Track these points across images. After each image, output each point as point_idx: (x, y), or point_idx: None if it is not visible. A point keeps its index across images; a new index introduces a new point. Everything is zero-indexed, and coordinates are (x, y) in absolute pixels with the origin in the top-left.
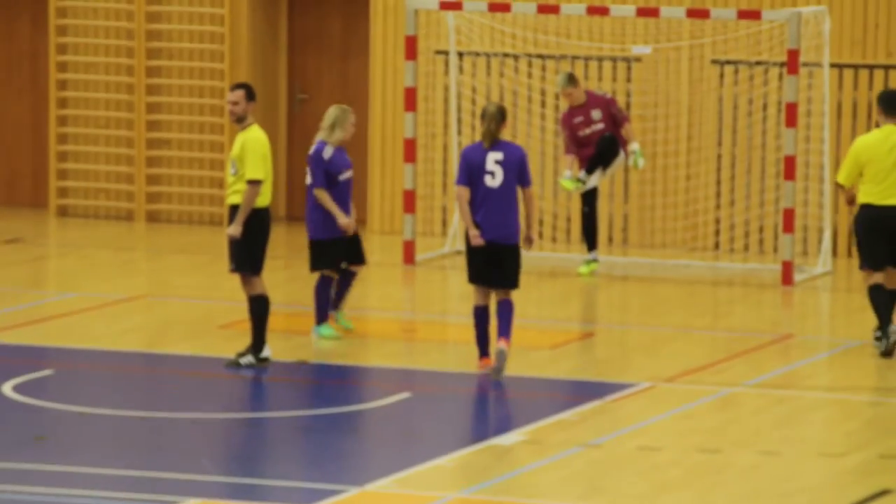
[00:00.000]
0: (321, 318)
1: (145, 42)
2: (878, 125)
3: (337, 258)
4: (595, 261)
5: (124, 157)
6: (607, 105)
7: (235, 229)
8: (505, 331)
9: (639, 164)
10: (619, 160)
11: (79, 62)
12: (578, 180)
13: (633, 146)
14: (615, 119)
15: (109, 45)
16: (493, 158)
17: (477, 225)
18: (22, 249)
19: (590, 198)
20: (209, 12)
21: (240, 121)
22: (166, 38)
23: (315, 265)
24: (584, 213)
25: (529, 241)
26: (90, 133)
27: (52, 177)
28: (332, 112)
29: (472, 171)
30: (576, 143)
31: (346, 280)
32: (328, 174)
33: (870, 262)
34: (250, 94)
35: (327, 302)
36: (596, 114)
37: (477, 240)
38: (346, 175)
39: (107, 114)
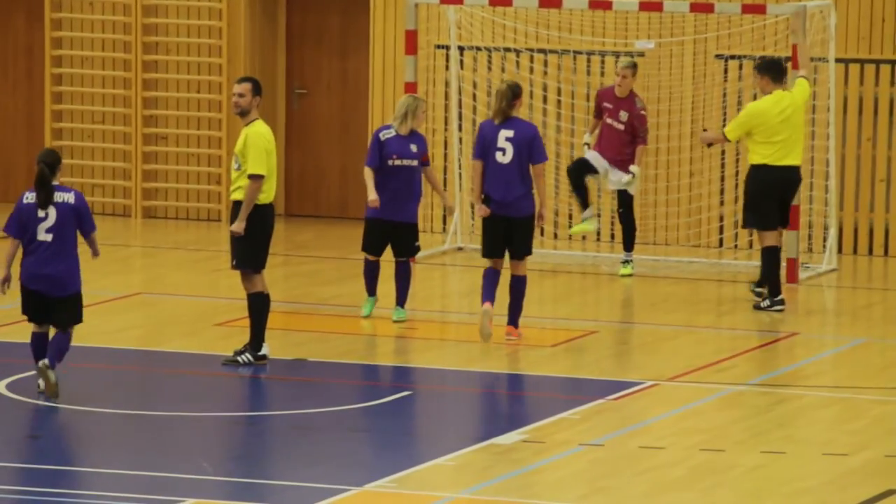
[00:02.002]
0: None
1: (142, 36)
2: (764, 92)
3: (368, 240)
4: (629, 262)
5: (120, 152)
6: (637, 117)
7: (238, 226)
8: (513, 317)
9: (631, 187)
10: (624, 178)
11: (74, 56)
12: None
13: (635, 168)
14: (635, 131)
15: (106, 39)
16: (504, 135)
17: (487, 198)
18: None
19: (624, 197)
20: (206, 6)
21: (243, 114)
22: (163, 32)
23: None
24: (620, 214)
25: (541, 217)
26: (86, 128)
27: None
28: (403, 101)
29: (485, 146)
30: (598, 118)
31: (397, 271)
32: (381, 156)
33: (762, 222)
34: (257, 88)
35: (369, 282)
36: (623, 115)
37: (482, 211)
38: (398, 162)
39: (103, 109)
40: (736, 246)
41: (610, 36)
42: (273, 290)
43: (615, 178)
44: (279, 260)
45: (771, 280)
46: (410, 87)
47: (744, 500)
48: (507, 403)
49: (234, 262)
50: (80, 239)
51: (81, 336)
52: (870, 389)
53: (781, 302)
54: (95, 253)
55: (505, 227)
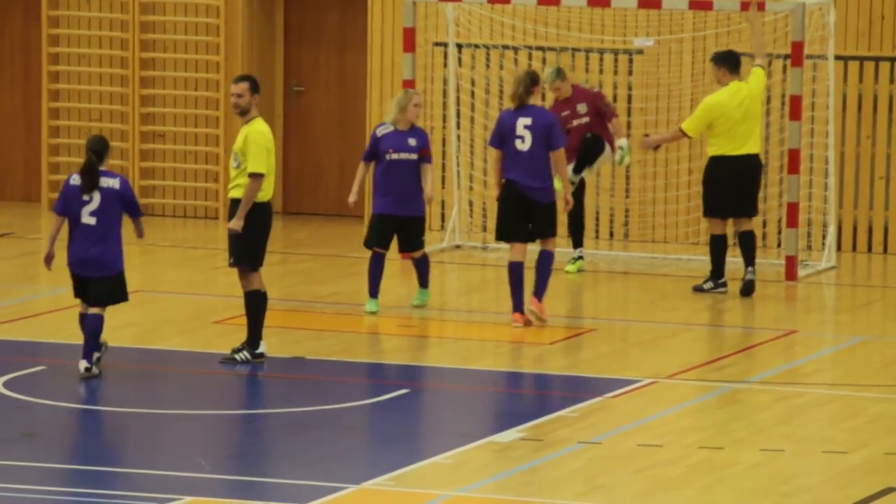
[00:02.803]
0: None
1: (139, 34)
2: (721, 83)
3: (374, 235)
4: (581, 258)
5: (118, 150)
6: (594, 99)
7: (237, 223)
8: (539, 290)
9: (624, 161)
10: (605, 155)
11: (72, 54)
12: (571, 182)
13: (622, 142)
14: (601, 113)
15: (103, 36)
16: (522, 123)
17: (509, 183)
18: (13, 244)
19: (576, 193)
20: (204, 4)
21: (243, 113)
22: (160, 30)
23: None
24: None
25: (566, 202)
26: (83, 126)
27: (44, 170)
28: (397, 95)
29: (504, 135)
30: (567, 133)
31: (415, 264)
32: (375, 151)
33: (718, 211)
34: (255, 87)
35: (373, 280)
36: (581, 107)
37: (497, 194)
38: (395, 156)
39: (100, 106)
40: (735, 244)
41: (609, 33)
42: (271, 287)
43: (612, 159)
44: (277, 258)
45: (715, 265)
46: (408, 85)
47: (743, 497)
48: (505, 401)
49: (231, 260)
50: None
51: (78, 334)
52: (869, 387)
53: (724, 285)
54: (140, 234)
55: (525, 209)
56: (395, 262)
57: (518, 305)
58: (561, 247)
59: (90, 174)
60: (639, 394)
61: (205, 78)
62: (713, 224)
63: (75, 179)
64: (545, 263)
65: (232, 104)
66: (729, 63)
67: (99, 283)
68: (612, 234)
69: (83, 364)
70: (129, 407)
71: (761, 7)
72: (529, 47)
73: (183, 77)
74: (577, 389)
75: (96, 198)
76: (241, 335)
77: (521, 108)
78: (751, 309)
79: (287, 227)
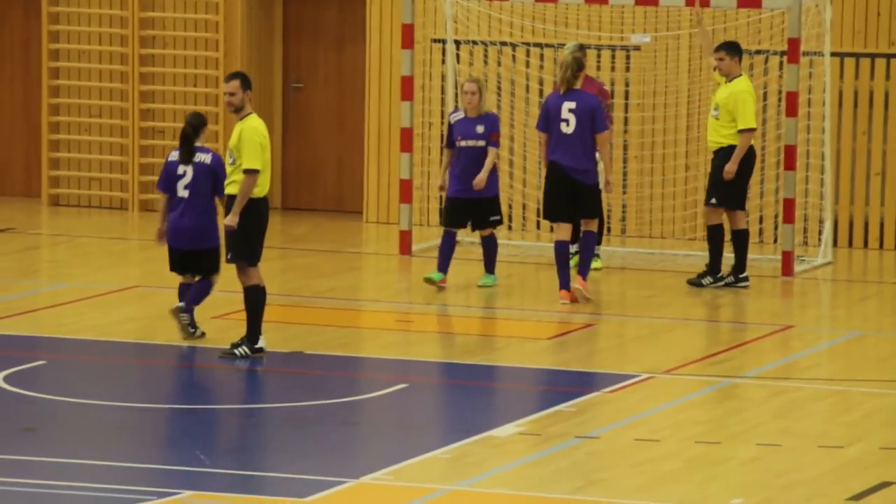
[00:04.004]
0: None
1: (139, 30)
2: (731, 74)
3: (448, 216)
4: (578, 253)
5: (117, 145)
6: (598, 92)
7: (232, 219)
8: (583, 269)
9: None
10: None
11: (72, 50)
12: None
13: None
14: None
15: (102, 32)
16: (567, 107)
17: (551, 164)
18: (14, 239)
19: None
20: (203, 8)
21: (237, 111)
22: (160, 26)
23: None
24: None
25: (608, 184)
26: (83, 122)
27: (44, 166)
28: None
29: (549, 118)
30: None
31: (483, 244)
32: (450, 137)
33: (742, 201)
34: (246, 83)
35: (443, 256)
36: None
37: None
38: (463, 143)
39: (100, 102)
40: (730, 239)
41: (606, 30)
42: (269, 283)
43: None
44: (275, 253)
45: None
46: (407, 81)
47: (739, 492)
48: (502, 396)
49: (229, 256)
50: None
51: (78, 329)
52: (865, 382)
53: (722, 279)
54: (226, 213)
55: (571, 190)
56: (393, 258)
57: (564, 283)
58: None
59: (185, 145)
60: (636, 389)
61: (204, 74)
62: (718, 215)
63: (173, 155)
64: (588, 243)
65: (225, 102)
66: (739, 53)
67: (196, 255)
68: (609, 230)
69: (180, 305)
70: (127, 402)
71: (705, 3)
72: (527, 44)
73: (182, 73)
74: (575, 384)
75: (189, 171)
76: (241, 330)
77: (568, 92)
78: (747, 304)
79: (286, 223)
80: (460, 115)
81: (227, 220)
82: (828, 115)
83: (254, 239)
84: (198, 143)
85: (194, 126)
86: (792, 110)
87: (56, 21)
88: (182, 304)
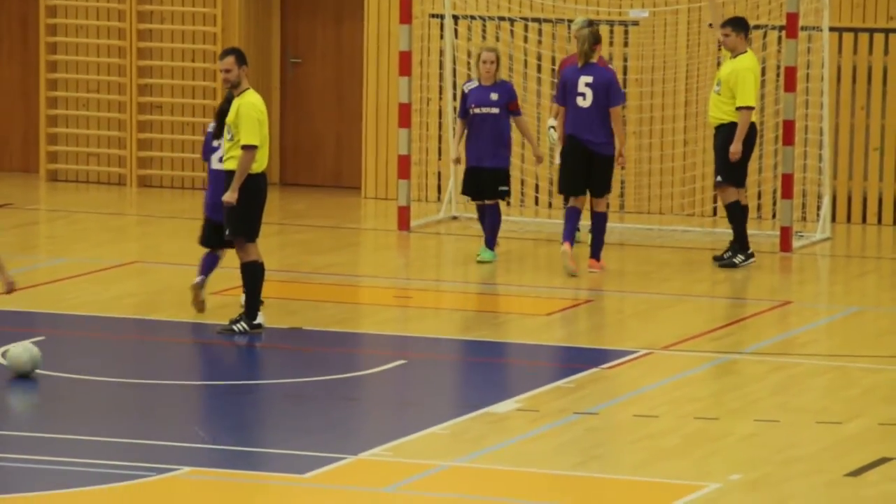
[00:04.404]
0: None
1: (136, 5)
2: (737, 49)
3: (465, 185)
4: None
5: (115, 121)
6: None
7: (231, 195)
8: (596, 251)
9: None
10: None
11: (69, 25)
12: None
13: (552, 121)
14: None
15: (100, 7)
16: (584, 81)
17: (568, 138)
18: (12, 215)
19: None
20: None
21: (234, 87)
22: (157, 1)
23: None
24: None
25: (620, 156)
26: (81, 97)
27: (42, 141)
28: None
29: (566, 91)
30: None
31: (485, 214)
32: (463, 107)
33: (743, 178)
34: (241, 59)
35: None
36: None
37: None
38: (478, 110)
39: (98, 77)
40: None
41: (604, 5)
42: (268, 259)
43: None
44: (274, 229)
45: (744, 236)
46: (405, 57)
47: (738, 467)
48: (501, 372)
49: (227, 231)
50: None
51: (77, 305)
52: (863, 358)
53: (753, 255)
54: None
55: (587, 163)
56: (392, 234)
57: (568, 237)
58: (557, 219)
59: (220, 121)
60: (634, 365)
61: (202, 49)
62: (732, 192)
63: (211, 127)
64: (599, 225)
65: (222, 79)
66: (746, 29)
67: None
68: (607, 206)
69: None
70: (127, 377)
71: None
72: (525, 19)
73: (180, 48)
74: (574, 360)
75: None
76: (239, 306)
77: (585, 65)
78: (746, 280)
79: (284, 199)
80: (474, 83)
81: (225, 197)
82: (826, 91)
83: (252, 215)
84: None
85: (230, 100)
86: (790, 85)
87: (54, 12)
88: (198, 279)
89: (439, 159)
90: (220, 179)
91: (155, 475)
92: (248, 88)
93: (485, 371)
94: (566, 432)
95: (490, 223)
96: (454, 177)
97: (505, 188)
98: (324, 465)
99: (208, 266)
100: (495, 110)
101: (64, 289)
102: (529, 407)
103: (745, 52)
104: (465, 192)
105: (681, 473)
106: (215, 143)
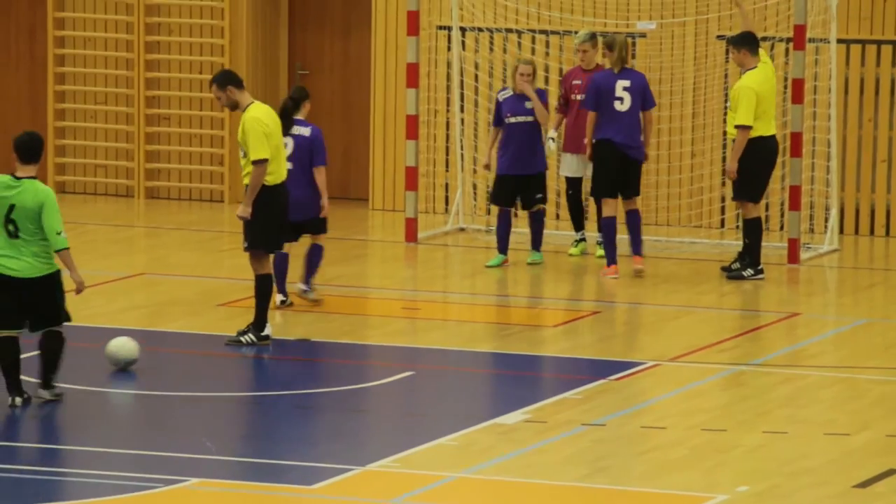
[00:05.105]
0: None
1: (144, 17)
2: (745, 66)
3: (497, 193)
4: (583, 240)
5: (123, 133)
6: None
7: (244, 210)
8: (637, 248)
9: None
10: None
11: (77, 37)
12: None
13: (552, 133)
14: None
15: (108, 19)
16: (621, 85)
17: (603, 143)
18: None
19: (576, 181)
20: None
21: (234, 107)
22: (165, 12)
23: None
24: (568, 196)
25: (646, 158)
26: (88, 108)
27: (50, 153)
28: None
29: (600, 96)
30: (566, 104)
31: (530, 221)
32: (497, 115)
33: (760, 194)
34: (222, 82)
35: (501, 236)
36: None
37: (589, 154)
38: (513, 119)
39: (105, 89)
40: (738, 227)
41: (612, 17)
42: None
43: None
44: None
45: (757, 251)
46: (412, 68)
47: (745, 479)
48: (509, 383)
49: (245, 245)
50: None
51: (84, 316)
52: (871, 370)
53: (762, 271)
54: (319, 185)
55: (621, 166)
56: (399, 245)
57: (612, 258)
58: (564, 230)
59: (285, 118)
60: (642, 376)
61: (209, 61)
62: (752, 208)
63: None
64: (636, 223)
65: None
66: (751, 44)
67: (306, 223)
68: None
69: (300, 286)
70: (135, 389)
71: None
72: (533, 31)
73: (188, 60)
74: (581, 372)
75: (290, 144)
76: (248, 317)
77: (622, 70)
78: (754, 291)
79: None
80: (508, 92)
81: (238, 211)
82: (833, 102)
83: (269, 227)
84: (298, 116)
85: (295, 99)
86: (798, 97)
87: (62, 8)
88: (303, 287)
89: (447, 171)
90: (291, 177)
91: (163, 486)
92: (251, 102)
93: (492, 382)
94: (574, 444)
95: (536, 229)
96: (462, 188)
97: (540, 195)
98: (332, 477)
99: (309, 267)
100: (530, 118)
101: (71, 300)
102: (537, 418)
103: (754, 67)
104: (495, 200)
105: (688, 485)
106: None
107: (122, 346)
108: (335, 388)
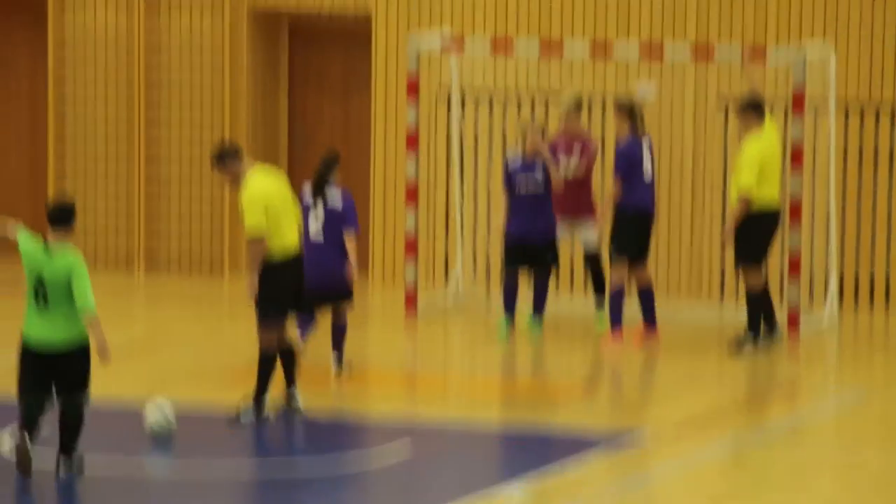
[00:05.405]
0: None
1: (144, 91)
2: (750, 130)
3: (509, 258)
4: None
5: (123, 196)
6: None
7: (249, 287)
8: (651, 321)
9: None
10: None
11: (77, 96)
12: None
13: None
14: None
15: (109, 78)
16: (646, 149)
17: (634, 206)
18: (19, 293)
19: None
20: (209, 47)
21: (236, 181)
22: (165, 82)
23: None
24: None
25: None
26: (89, 178)
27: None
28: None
29: (634, 164)
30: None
31: (534, 282)
32: (509, 182)
33: (761, 259)
34: (220, 158)
35: (507, 297)
36: (576, 147)
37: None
38: (523, 190)
39: (106, 149)
40: (738, 295)
41: (611, 82)
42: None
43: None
44: None
45: (762, 320)
46: (412, 137)
47: None
48: (508, 454)
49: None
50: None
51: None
52: (871, 442)
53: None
54: (349, 251)
55: (647, 231)
56: (398, 314)
57: (620, 322)
58: (563, 297)
59: (318, 184)
60: (643, 445)
61: (210, 121)
62: (754, 276)
63: (305, 191)
64: (647, 298)
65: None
66: (757, 109)
67: (330, 292)
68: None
69: (334, 362)
70: (133, 455)
71: (759, 54)
72: (532, 97)
73: (188, 127)
74: (580, 441)
75: (321, 210)
76: (246, 388)
77: (643, 135)
78: (753, 361)
79: None
80: (518, 155)
81: (247, 289)
82: (833, 169)
83: (270, 301)
84: (331, 181)
85: (327, 164)
86: (797, 164)
87: (62, 82)
88: (335, 368)
89: (446, 238)
90: (316, 243)
91: None
92: (251, 172)
93: (491, 453)
94: None
95: (539, 293)
96: (461, 256)
97: (552, 256)
98: None
99: (337, 342)
100: (540, 191)
101: None
102: (536, 490)
103: (759, 132)
104: (509, 263)
105: None
106: (311, 209)
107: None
108: (333, 460)
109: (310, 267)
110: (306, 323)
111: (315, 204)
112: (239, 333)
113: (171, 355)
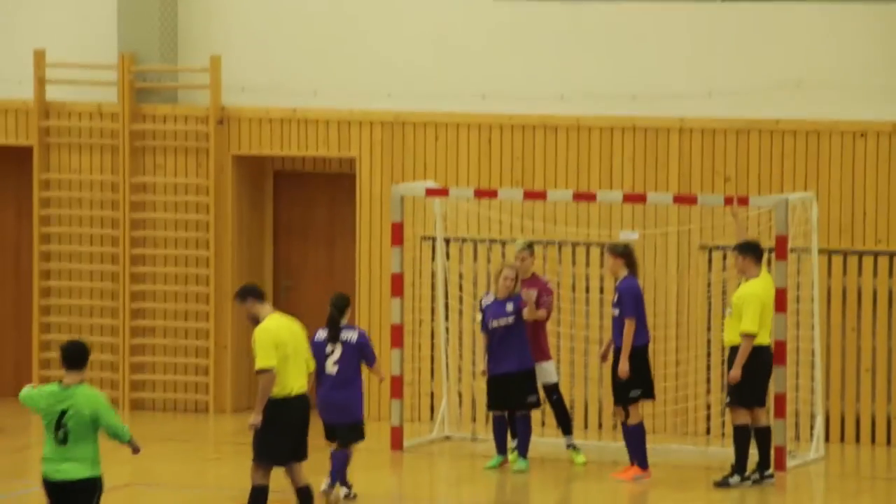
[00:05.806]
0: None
1: (130, 231)
2: (747, 273)
3: (490, 397)
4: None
5: (108, 344)
6: (546, 290)
7: (254, 419)
8: (644, 457)
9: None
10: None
11: (63, 251)
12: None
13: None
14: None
15: (94, 233)
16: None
17: (644, 347)
18: (3, 439)
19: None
20: (194, 200)
21: (255, 321)
22: (150, 226)
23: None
24: (553, 401)
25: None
26: (73, 322)
27: (34, 366)
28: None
29: (639, 303)
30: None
31: (515, 424)
32: (483, 320)
33: (757, 400)
34: (241, 297)
35: (497, 438)
36: (532, 293)
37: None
38: (494, 324)
39: (91, 302)
40: (724, 434)
41: (594, 227)
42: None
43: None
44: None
45: (745, 458)
46: (397, 279)
47: None
48: None
49: (253, 455)
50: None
51: None
52: None
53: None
54: (381, 378)
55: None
56: (385, 453)
57: (645, 460)
58: (550, 437)
59: (333, 327)
60: None
61: (195, 273)
62: (742, 415)
63: (319, 336)
64: (635, 435)
65: None
66: (755, 252)
67: (340, 426)
68: (600, 425)
69: (329, 486)
70: None
71: (744, 202)
72: (516, 241)
73: (174, 272)
74: None
75: (338, 349)
76: None
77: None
78: (740, 500)
79: None
80: (490, 297)
81: (250, 420)
82: (817, 311)
83: (268, 440)
84: (344, 322)
85: (339, 308)
86: (781, 306)
87: (48, 223)
88: (329, 486)
89: (431, 379)
90: (335, 381)
91: None
92: (266, 315)
93: None
94: None
95: (521, 435)
96: (447, 397)
97: (534, 398)
98: None
99: (335, 469)
100: (510, 320)
101: None
102: None
103: (757, 276)
104: (491, 406)
105: None
106: (328, 349)
107: None
108: None
109: (326, 403)
110: (338, 461)
111: (332, 351)
112: (224, 474)
113: (156, 496)
